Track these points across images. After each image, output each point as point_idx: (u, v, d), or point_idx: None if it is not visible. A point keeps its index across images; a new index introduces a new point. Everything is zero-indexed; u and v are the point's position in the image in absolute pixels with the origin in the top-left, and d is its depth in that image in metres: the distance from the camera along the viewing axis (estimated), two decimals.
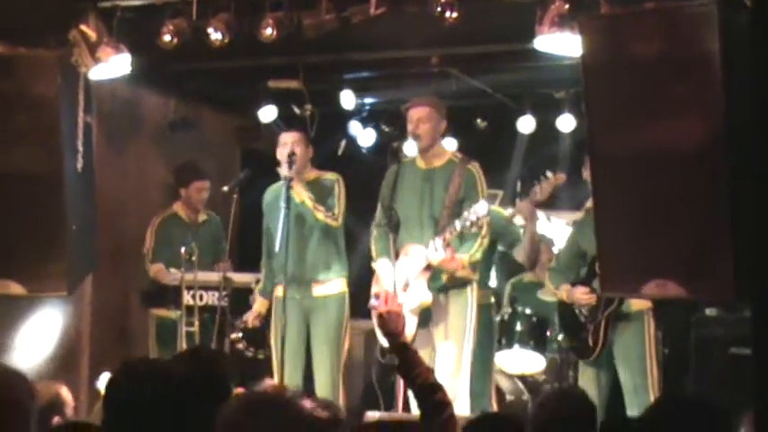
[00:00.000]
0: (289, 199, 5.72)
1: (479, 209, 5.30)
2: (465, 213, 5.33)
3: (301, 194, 5.82)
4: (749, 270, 4.37)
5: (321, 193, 5.89)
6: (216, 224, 6.76)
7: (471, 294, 5.63)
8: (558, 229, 7.39)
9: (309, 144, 6.02)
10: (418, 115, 5.65)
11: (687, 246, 4.49)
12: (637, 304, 5.34)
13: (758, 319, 4.21)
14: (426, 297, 5.54)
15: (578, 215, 5.96)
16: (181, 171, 6.82)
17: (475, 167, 5.63)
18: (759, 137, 4.25)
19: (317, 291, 5.95)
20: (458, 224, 5.34)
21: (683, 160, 4.50)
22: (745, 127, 4.32)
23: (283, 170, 5.82)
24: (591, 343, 5.42)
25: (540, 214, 6.74)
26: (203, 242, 6.54)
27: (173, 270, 6.41)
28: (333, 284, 5.98)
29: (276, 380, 5.79)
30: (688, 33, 4.44)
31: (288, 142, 5.87)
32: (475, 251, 5.51)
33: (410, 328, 5.47)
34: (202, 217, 6.76)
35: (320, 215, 5.83)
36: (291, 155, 5.77)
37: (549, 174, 6.01)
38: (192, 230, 6.67)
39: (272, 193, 6.07)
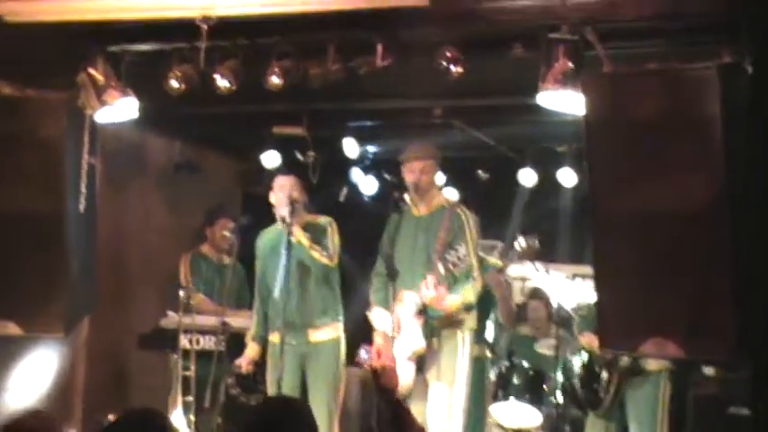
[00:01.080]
0: (289, 244, 5.73)
1: (460, 248, 5.37)
2: (447, 255, 5.37)
3: (298, 235, 5.84)
4: (748, 331, 4.39)
5: (315, 235, 5.92)
6: (240, 271, 6.73)
7: (463, 336, 5.64)
8: (556, 281, 7.40)
9: (304, 189, 6.05)
10: (421, 167, 5.75)
11: (686, 306, 4.50)
12: (655, 364, 5.41)
13: (757, 380, 4.21)
14: (419, 344, 5.57)
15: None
16: (209, 210, 6.85)
17: (463, 211, 5.71)
18: (758, 199, 4.29)
19: (314, 336, 5.94)
20: (440, 265, 5.37)
21: (683, 220, 4.52)
22: (744, 188, 4.35)
23: (283, 213, 5.83)
24: (602, 395, 5.45)
25: (540, 267, 6.77)
26: (229, 285, 6.58)
27: (170, 313, 6.41)
28: (329, 330, 5.98)
29: None
30: (690, 95, 4.48)
31: (286, 185, 5.89)
32: (466, 292, 5.55)
33: (407, 376, 5.50)
34: (227, 261, 6.78)
35: (316, 254, 5.85)
36: (293, 201, 5.79)
37: (521, 242, 6.07)
38: (220, 271, 6.66)
39: (268, 237, 6.08)
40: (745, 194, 4.30)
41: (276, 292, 5.82)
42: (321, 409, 5.81)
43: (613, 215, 4.70)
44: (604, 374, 5.53)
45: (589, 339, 5.64)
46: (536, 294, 7.27)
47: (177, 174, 7.21)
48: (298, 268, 5.87)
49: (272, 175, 7.33)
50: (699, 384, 6.32)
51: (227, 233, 6.56)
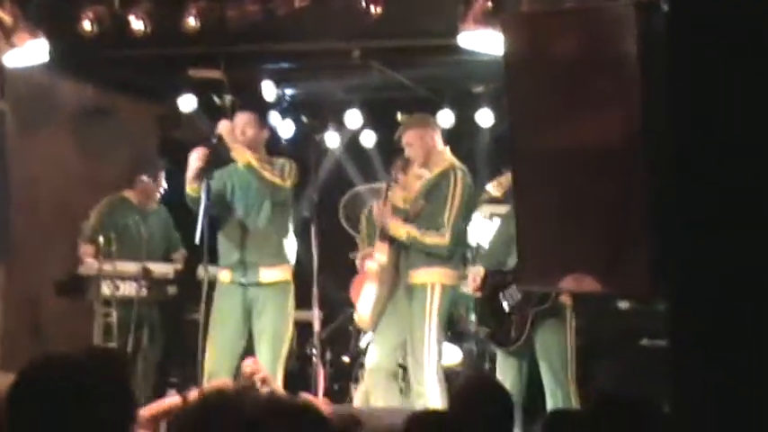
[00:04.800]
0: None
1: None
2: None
3: (247, 156, 5.73)
4: (663, 266, 4.51)
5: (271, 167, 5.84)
6: (166, 213, 6.64)
7: (432, 292, 5.73)
8: (475, 221, 7.47)
9: (264, 126, 5.97)
10: (406, 140, 5.92)
11: (604, 241, 4.59)
12: (562, 299, 5.48)
13: (674, 312, 4.35)
14: (365, 311, 5.92)
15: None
16: (139, 158, 6.86)
17: (455, 175, 5.82)
18: (673, 136, 4.39)
19: (265, 276, 5.85)
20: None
21: (600, 157, 4.59)
22: (660, 126, 4.44)
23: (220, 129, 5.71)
24: (514, 334, 5.51)
25: None
26: (154, 230, 6.48)
27: (89, 260, 6.32)
28: (280, 271, 5.90)
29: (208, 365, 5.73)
30: (607, 33, 4.53)
31: (239, 124, 5.80)
32: (421, 234, 5.71)
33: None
34: (153, 206, 6.67)
35: (267, 174, 5.73)
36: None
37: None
38: (144, 217, 6.58)
39: (222, 173, 5.91)
40: (660, 132, 4.39)
41: (227, 225, 5.78)
42: (268, 356, 5.77)
43: (532, 153, 4.75)
44: (509, 310, 5.59)
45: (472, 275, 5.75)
46: None
47: (90, 118, 7.05)
48: (250, 197, 5.79)
49: (189, 119, 7.28)
50: (611, 317, 6.48)
51: (158, 181, 6.51)
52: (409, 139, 5.90)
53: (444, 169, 5.85)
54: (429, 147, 5.90)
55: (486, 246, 6.39)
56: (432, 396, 5.65)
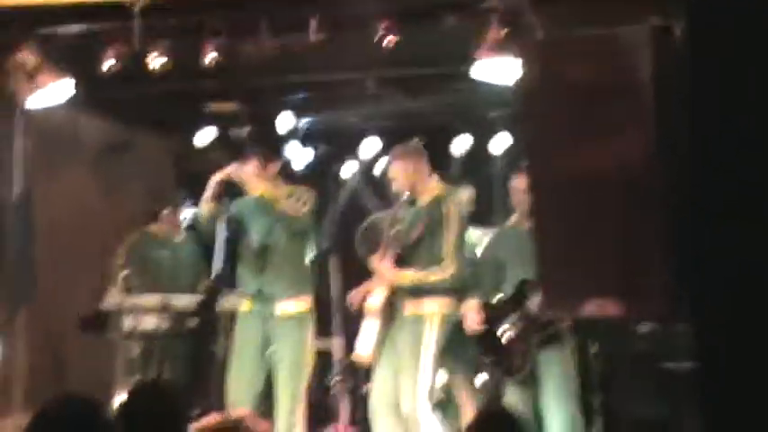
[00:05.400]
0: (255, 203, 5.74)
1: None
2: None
3: (259, 187, 5.75)
4: (685, 288, 4.53)
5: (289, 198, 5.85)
6: (194, 245, 6.64)
7: (431, 324, 5.67)
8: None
9: (274, 160, 6.00)
10: (390, 175, 5.86)
11: (625, 266, 4.61)
12: (563, 323, 5.47)
13: (698, 335, 4.36)
14: (365, 351, 5.78)
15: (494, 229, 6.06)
16: (163, 192, 6.88)
17: (452, 201, 5.77)
18: (690, 161, 4.42)
19: (282, 309, 5.85)
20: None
21: (617, 182, 4.61)
22: (677, 150, 4.47)
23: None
24: (519, 362, 5.46)
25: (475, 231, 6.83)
26: (181, 262, 6.51)
27: (110, 295, 6.36)
28: (299, 303, 5.90)
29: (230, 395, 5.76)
30: (622, 58, 4.56)
31: (249, 165, 5.83)
32: (426, 274, 5.63)
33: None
34: (180, 238, 6.71)
35: (281, 205, 5.74)
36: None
37: None
38: (172, 249, 6.63)
39: (242, 203, 5.94)
40: (677, 157, 4.42)
41: (244, 256, 5.82)
42: (288, 387, 5.79)
43: (549, 179, 4.77)
44: (513, 338, 5.54)
45: (468, 308, 5.65)
46: None
47: (110, 154, 7.13)
48: (266, 228, 5.83)
49: (205, 152, 7.34)
50: (633, 341, 6.44)
51: (179, 213, 6.57)
52: (392, 173, 5.83)
53: (435, 198, 5.78)
54: (414, 178, 5.78)
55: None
56: (420, 428, 5.58)
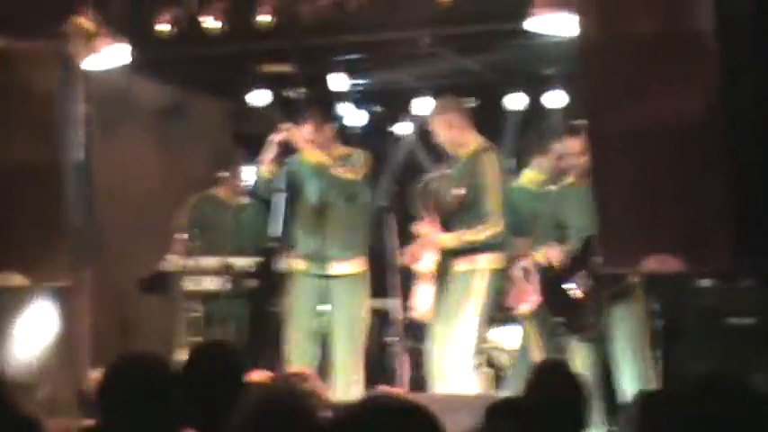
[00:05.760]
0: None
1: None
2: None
3: (315, 155, 5.83)
4: (748, 242, 4.48)
5: (344, 161, 5.93)
6: (258, 207, 6.59)
7: (479, 278, 5.71)
8: None
9: (330, 124, 6.05)
10: (433, 129, 5.94)
11: (686, 220, 4.58)
12: (633, 278, 5.38)
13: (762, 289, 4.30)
14: (423, 307, 5.86)
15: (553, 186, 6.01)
16: (227, 154, 6.89)
17: (488, 157, 5.78)
18: (755, 110, 4.35)
19: (336, 269, 5.94)
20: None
21: (680, 135, 4.58)
22: (741, 101, 4.41)
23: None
24: (590, 320, 5.38)
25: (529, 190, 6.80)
26: (244, 224, 6.54)
27: (171, 257, 6.44)
28: (354, 264, 5.98)
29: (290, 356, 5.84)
30: (681, 11, 4.51)
31: (305, 131, 5.90)
32: (470, 234, 5.67)
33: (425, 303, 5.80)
34: (243, 200, 6.76)
35: (338, 171, 5.83)
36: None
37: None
38: (235, 212, 6.65)
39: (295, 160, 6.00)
40: (742, 108, 4.35)
41: (301, 216, 5.90)
42: (345, 345, 5.88)
43: (610, 133, 4.76)
44: (583, 297, 5.48)
45: (542, 254, 5.61)
46: None
47: (167, 117, 7.18)
48: (322, 190, 5.89)
49: (261, 113, 7.37)
50: (696, 296, 6.36)
51: (238, 175, 6.61)
52: (435, 128, 5.90)
53: (473, 153, 5.80)
54: (452, 133, 5.82)
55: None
56: (459, 382, 5.63)
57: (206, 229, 6.43)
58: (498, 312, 6.53)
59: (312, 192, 5.94)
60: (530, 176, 6.28)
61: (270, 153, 5.81)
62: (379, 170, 6.49)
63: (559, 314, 5.59)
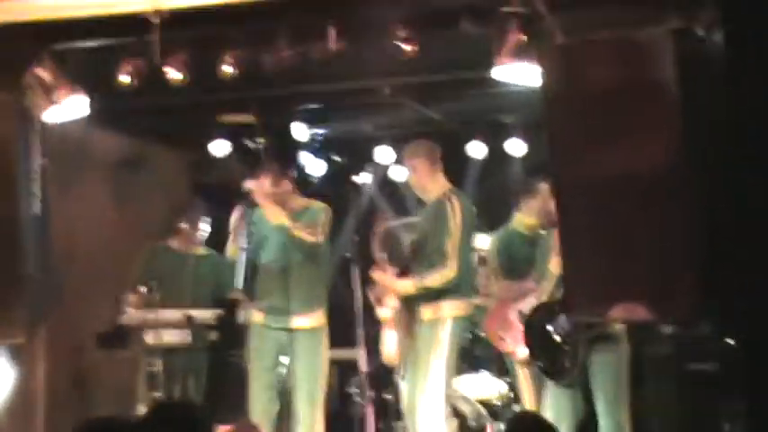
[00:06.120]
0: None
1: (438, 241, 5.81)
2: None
3: (277, 216, 5.85)
4: (713, 290, 4.49)
5: (305, 218, 5.95)
6: (215, 258, 6.56)
7: (444, 326, 5.75)
8: None
9: (290, 175, 6.08)
10: (409, 166, 6.06)
11: (652, 269, 4.58)
12: (617, 327, 5.38)
13: (724, 336, 4.31)
14: (388, 351, 6.02)
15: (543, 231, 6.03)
16: (182, 204, 6.85)
17: (451, 201, 5.83)
18: (719, 161, 4.38)
19: (296, 323, 5.96)
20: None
21: (644, 185, 4.59)
22: (703, 151, 4.44)
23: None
24: (568, 365, 5.35)
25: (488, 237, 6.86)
26: (201, 275, 6.46)
27: (131, 310, 6.33)
28: (313, 317, 6.00)
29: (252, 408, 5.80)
30: (643, 61, 4.55)
31: (265, 182, 5.91)
32: (427, 279, 5.73)
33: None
34: (199, 251, 6.66)
35: (300, 233, 5.84)
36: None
37: None
38: (191, 262, 6.58)
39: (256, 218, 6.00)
40: (704, 157, 4.38)
41: (262, 269, 5.94)
42: (306, 397, 5.87)
43: (574, 183, 4.75)
44: (561, 341, 5.45)
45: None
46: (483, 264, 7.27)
47: (126, 168, 7.11)
48: (282, 248, 5.90)
49: (221, 163, 7.32)
50: (656, 343, 6.38)
51: (197, 226, 6.54)
52: (406, 171, 6.05)
53: (436, 198, 5.84)
54: (422, 176, 5.92)
55: None
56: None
57: (163, 280, 6.34)
58: (464, 360, 6.54)
59: (273, 249, 5.97)
60: (520, 219, 6.30)
61: (234, 234, 5.85)
62: (340, 220, 6.46)
63: (538, 357, 5.58)
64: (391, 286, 5.84)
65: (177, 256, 6.60)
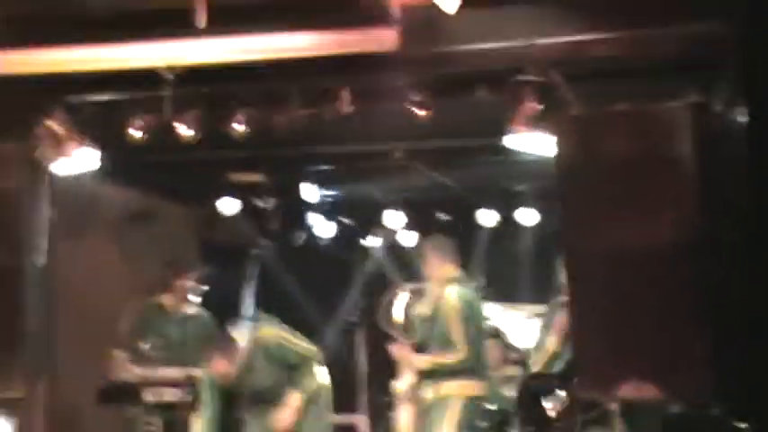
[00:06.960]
0: None
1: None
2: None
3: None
4: (725, 371, 4.39)
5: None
6: (206, 317, 6.50)
7: (454, 404, 5.85)
8: (515, 321, 7.38)
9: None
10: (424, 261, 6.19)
11: (663, 346, 4.49)
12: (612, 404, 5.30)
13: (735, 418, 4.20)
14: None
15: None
16: (176, 261, 6.68)
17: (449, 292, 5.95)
18: (734, 237, 4.31)
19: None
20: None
21: (656, 260, 4.52)
22: (720, 227, 4.37)
23: None
24: None
25: (497, 306, 6.87)
26: (191, 334, 6.39)
27: (130, 367, 6.23)
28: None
29: None
30: (660, 135, 4.51)
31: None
32: (438, 358, 5.85)
33: None
34: (190, 310, 6.57)
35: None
36: None
37: None
38: (182, 322, 6.49)
39: None
40: (720, 234, 4.31)
41: None
42: None
43: (586, 256, 4.69)
44: (555, 418, 5.43)
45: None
46: (491, 335, 7.22)
47: (134, 223, 7.06)
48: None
49: (229, 221, 7.28)
50: (668, 423, 6.25)
51: (195, 284, 6.44)
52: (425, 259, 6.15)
53: (438, 285, 6.00)
54: (434, 268, 6.07)
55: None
56: None
57: (152, 338, 6.24)
58: None
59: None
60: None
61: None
62: (347, 283, 6.40)
63: (531, 426, 5.56)
64: (410, 361, 5.91)
65: (165, 313, 6.50)
